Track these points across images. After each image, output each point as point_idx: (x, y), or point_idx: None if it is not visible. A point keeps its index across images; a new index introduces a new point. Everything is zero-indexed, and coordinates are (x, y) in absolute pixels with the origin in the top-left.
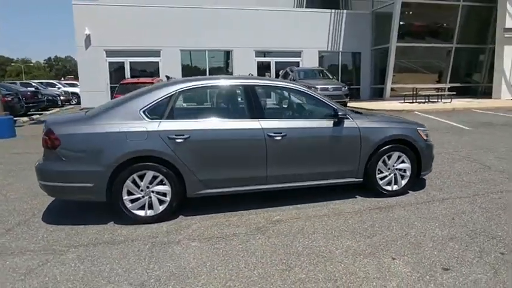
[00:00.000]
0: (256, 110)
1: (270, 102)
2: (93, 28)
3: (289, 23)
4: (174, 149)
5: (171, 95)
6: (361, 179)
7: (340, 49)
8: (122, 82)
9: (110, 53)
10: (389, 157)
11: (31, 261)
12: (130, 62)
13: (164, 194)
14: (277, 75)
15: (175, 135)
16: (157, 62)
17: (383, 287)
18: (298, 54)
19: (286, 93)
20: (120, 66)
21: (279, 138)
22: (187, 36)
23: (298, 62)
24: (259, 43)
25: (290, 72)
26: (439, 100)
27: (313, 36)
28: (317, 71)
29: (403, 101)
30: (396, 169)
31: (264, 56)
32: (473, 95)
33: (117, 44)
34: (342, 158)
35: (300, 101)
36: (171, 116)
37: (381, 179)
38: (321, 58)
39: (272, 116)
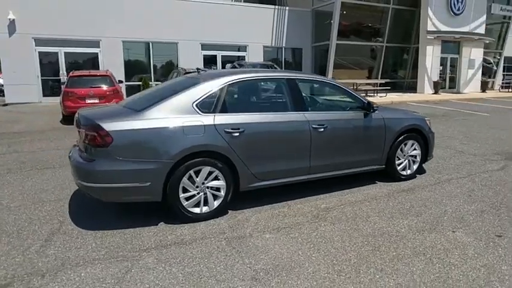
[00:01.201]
0: (300, 103)
1: (309, 95)
2: (18, 12)
3: (234, 17)
4: (230, 143)
5: (221, 88)
6: (384, 166)
7: (283, 45)
8: (72, 75)
9: (39, 42)
10: (405, 145)
11: (109, 269)
12: (65, 53)
13: (218, 189)
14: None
15: (232, 129)
16: (97, 53)
17: (465, 255)
18: (243, 48)
19: (323, 87)
20: (54, 57)
21: (321, 130)
22: (129, 27)
23: (244, 56)
24: (205, 36)
25: (238, 67)
26: (376, 94)
27: (258, 31)
28: (267, 66)
29: None
30: (409, 155)
31: (210, 50)
32: (400, 90)
33: (48, 31)
34: (371, 147)
35: (333, 94)
36: (224, 110)
37: (398, 165)
38: (265, 53)
39: (312, 108)
